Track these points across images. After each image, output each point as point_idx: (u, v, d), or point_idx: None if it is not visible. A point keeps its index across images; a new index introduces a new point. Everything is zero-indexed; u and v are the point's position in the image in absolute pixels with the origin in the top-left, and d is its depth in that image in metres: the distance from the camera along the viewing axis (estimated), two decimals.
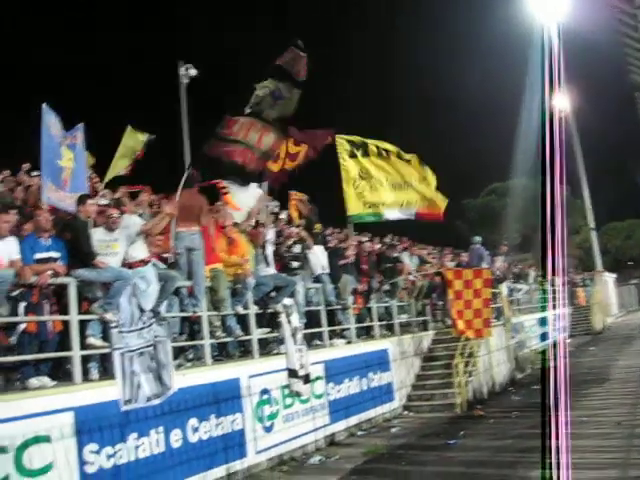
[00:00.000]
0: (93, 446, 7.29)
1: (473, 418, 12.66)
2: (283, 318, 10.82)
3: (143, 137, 14.77)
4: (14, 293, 7.37)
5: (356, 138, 15.87)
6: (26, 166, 10.87)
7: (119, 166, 14.36)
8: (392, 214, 16.14)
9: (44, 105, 8.81)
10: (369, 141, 15.98)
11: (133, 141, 14.69)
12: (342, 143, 15.69)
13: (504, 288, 19.04)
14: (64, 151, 9.05)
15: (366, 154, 15.82)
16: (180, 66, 14.08)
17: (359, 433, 12.15)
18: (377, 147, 15.87)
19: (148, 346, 8.26)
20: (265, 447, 9.85)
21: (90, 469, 7.20)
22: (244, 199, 11.84)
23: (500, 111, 41.34)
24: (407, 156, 15.94)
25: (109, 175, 13.88)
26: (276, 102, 10.90)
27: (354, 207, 15.82)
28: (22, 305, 7.47)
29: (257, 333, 10.51)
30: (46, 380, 7.42)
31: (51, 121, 8.87)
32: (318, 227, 14.01)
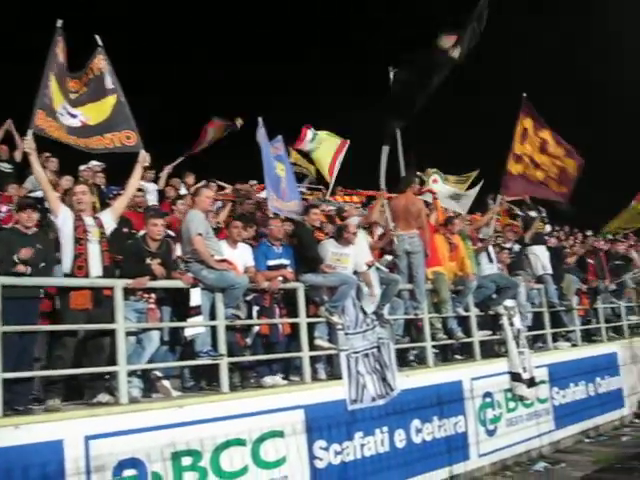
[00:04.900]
0: (322, 442, 7.64)
1: None
2: (505, 320, 10.62)
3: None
4: (248, 297, 7.91)
5: None
6: (253, 182, 11.72)
7: None
8: None
9: (260, 119, 9.29)
10: None
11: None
12: None
13: None
14: (275, 162, 9.48)
15: None
16: None
17: (586, 441, 11.67)
18: None
19: (372, 348, 8.50)
20: (488, 451, 9.75)
21: (320, 464, 7.57)
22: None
23: None
24: None
25: None
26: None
27: None
28: (255, 309, 8.02)
29: (478, 335, 10.42)
30: (278, 379, 7.88)
31: (263, 134, 9.33)
32: (541, 226, 13.48)
